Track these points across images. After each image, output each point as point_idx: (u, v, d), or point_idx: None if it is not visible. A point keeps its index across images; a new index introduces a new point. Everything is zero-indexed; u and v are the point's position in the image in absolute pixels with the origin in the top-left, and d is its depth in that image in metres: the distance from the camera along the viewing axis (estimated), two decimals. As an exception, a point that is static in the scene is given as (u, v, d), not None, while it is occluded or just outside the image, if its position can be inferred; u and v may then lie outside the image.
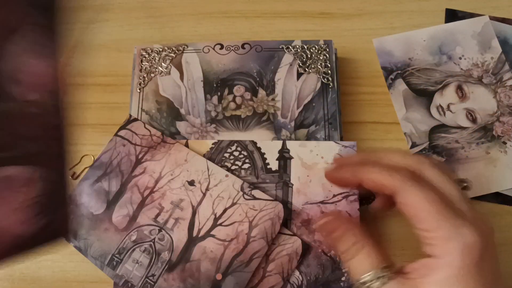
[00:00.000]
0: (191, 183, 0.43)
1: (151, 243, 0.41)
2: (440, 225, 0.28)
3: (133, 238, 0.42)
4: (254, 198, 0.41)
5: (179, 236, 0.41)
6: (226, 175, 0.43)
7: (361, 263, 0.30)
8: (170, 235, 0.41)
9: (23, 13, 0.29)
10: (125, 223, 0.42)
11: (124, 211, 0.43)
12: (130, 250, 0.41)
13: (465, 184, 0.33)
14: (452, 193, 0.31)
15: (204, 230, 0.41)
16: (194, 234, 0.41)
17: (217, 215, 0.41)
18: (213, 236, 0.41)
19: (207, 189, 0.42)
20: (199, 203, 0.42)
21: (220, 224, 0.41)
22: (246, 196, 0.42)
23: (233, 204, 0.41)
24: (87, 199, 0.44)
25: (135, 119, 0.47)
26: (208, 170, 0.43)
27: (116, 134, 0.47)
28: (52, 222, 0.28)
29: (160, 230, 0.41)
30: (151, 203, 0.42)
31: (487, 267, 0.28)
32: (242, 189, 0.42)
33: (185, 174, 0.43)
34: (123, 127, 0.47)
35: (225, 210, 0.41)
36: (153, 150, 0.45)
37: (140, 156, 0.45)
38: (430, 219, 0.29)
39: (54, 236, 0.29)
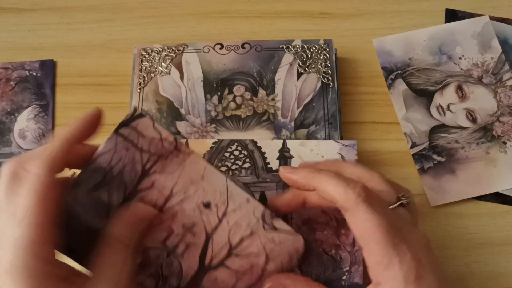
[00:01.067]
0: (207, 205, 0.36)
1: (158, 268, 0.36)
2: (383, 253, 0.30)
3: (138, 260, 0.35)
4: (274, 228, 0.37)
5: (189, 263, 0.36)
6: (247, 199, 0.37)
7: None
8: (179, 261, 0.36)
9: None
10: None
11: None
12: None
13: (406, 201, 0.34)
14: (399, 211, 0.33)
15: (217, 259, 0.36)
16: (206, 262, 0.36)
17: (233, 245, 0.36)
18: (226, 266, 0.36)
19: (224, 214, 0.36)
20: (214, 229, 0.36)
21: (235, 255, 0.36)
22: (266, 226, 0.37)
23: (251, 233, 0.36)
24: (82, 210, 0.35)
25: (141, 115, 0.37)
26: (227, 191, 0.37)
27: (117, 132, 0.37)
28: None
29: (168, 255, 0.36)
30: (160, 224, 0.36)
31: (426, 281, 0.29)
32: (263, 217, 0.37)
33: (200, 193, 0.36)
34: (125, 124, 0.37)
35: (242, 240, 0.36)
36: (164, 160, 0.36)
37: (147, 166, 0.36)
38: (375, 246, 0.30)
39: None
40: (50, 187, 0.28)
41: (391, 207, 0.33)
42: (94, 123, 0.34)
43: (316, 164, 0.38)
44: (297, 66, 0.50)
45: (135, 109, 0.37)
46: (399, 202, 0.33)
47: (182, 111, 0.48)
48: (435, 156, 0.47)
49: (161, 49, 0.51)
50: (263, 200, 0.42)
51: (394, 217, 0.31)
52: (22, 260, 0.25)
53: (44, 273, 0.26)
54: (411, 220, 0.34)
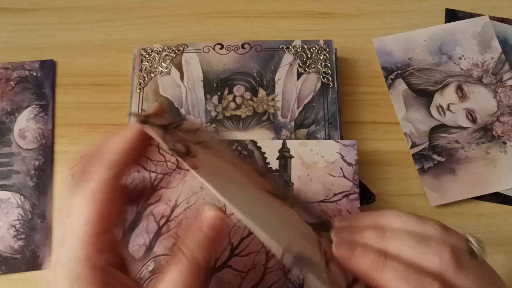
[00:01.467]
0: None
1: None
2: None
3: (150, 268, 0.39)
4: None
5: None
6: None
7: None
8: None
9: None
10: (142, 252, 0.41)
11: (141, 240, 0.41)
12: (148, 280, 0.40)
13: (479, 248, 0.30)
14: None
15: (220, 260, 0.39)
16: (211, 264, 0.39)
17: (234, 245, 0.40)
18: (230, 266, 0.39)
19: None
20: None
21: (237, 255, 0.39)
22: None
23: (249, 233, 0.39)
24: None
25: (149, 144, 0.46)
26: None
27: None
28: None
29: None
30: (167, 232, 0.41)
31: None
32: None
33: (201, 202, 0.42)
34: None
35: (242, 240, 0.40)
36: (168, 177, 0.44)
37: (155, 183, 0.44)
38: None
39: None
40: (111, 192, 0.27)
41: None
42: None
43: (354, 219, 0.32)
44: (297, 66, 0.49)
45: None
46: (476, 253, 0.29)
47: (182, 111, 0.48)
48: (435, 156, 0.47)
49: (161, 49, 0.51)
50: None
51: (489, 273, 0.28)
52: (78, 266, 0.24)
53: (95, 282, 0.24)
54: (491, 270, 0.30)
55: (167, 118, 0.32)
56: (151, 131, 0.28)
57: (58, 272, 0.25)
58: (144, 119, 0.28)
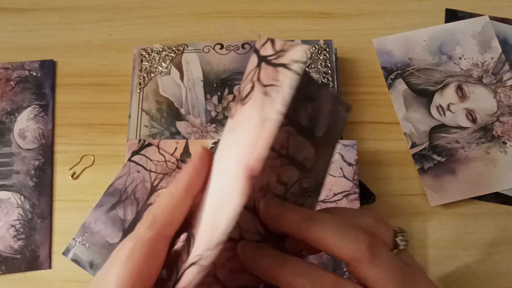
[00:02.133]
0: None
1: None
2: (345, 248, 0.26)
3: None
4: None
5: None
6: None
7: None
8: None
9: None
10: None
11: None
12: None
13: (404, 243, 0.30)
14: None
15: None
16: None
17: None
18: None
19: None
20: None
21: None
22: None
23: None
24: (102, 227, 0.44)
25: (149, 144, 0.46)
26: None
27: (129, 160, 0.45)
28: None
29: None
30: None
31: None
32: None
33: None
34: (136, 152, 0.46)
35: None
36: (168, 177, 0.44)
37: (155, 183, 0.44)
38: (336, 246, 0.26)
39: None
40: (149, 253, 0.25)
41: (393, 252, 0.28)
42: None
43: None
44: (297, 66, 0.49)
45: (144, 141, 0.46)
46: (399, 246, 0.29)
47: (182, 111, 0.48)
48: (435, 156, 0.47)
49: (161, 49, 0.51)
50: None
51: (404, 268, 0.28)
52: None
53: None
54: (415, 263, 0.29)
55: None
56: None
57: None
58: None
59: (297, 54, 0.24)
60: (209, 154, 0.27)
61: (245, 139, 0.24)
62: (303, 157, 0.29)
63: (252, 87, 0.26)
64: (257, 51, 0.27)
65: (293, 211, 0.27)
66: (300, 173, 0.29)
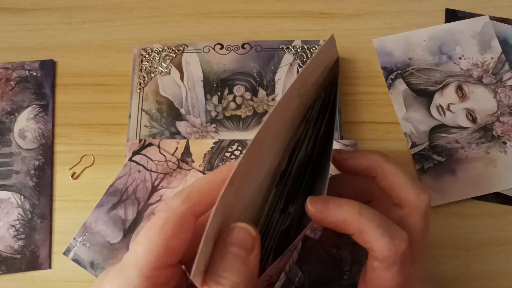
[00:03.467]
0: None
1: None
2: (412, 191, 0.32)
3: None
4: None
5: None
6: None
7: None
8: None
9: None
10: None
11: None
12: None
13: None
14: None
15: None
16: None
17: None
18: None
19: None
20: None
21: None
22: None
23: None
24: (103, 227, 0.44)
25: (150, 144, 0.46)
26: None
27: (130, 159, 0.45)
28: None
29: None
30: None
31: None
32: None
33: None
34: (137, 152, 0.46)
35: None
36: (169, 176, 0.44)
37: (156, 183, 0.44)
38: (406, 187, 0.32)
39: None
40: (181, 226, 0.25)
41: None
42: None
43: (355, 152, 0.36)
44: (297, 66, 0.50)
45: (145, 141, 0.46)
46: None
47: (182, 111, 0.48)
48: (435, 156, 0.47)
49: (161, 49, 0.51)
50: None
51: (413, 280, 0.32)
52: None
53: None
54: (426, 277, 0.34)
55: None
56: None
57: None
58: None
59: None
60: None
61: None
62: None
63: None
64: None
65: (339, 204, 0.29)
66: None
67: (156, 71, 0.50)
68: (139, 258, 0.24)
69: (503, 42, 0.52)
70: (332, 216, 0.28)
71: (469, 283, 0.43)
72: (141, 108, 0.48)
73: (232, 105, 0.49)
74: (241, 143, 0.45)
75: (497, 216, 0.46)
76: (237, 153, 0.45)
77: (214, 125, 0.48)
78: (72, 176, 0.48)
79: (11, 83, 0.51)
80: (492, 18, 0.53)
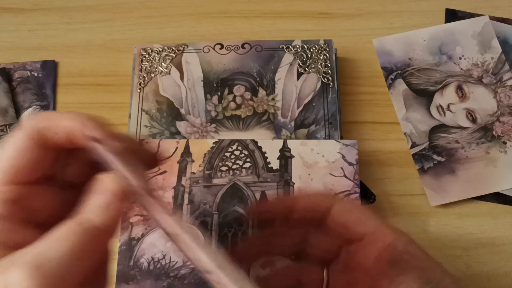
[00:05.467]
0: None
1: None
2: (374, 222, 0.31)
3: None
4: None
5: None
6: None
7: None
8: None
9: None
10: None
11: None
12: None
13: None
14: None
15: None
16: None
17: None
18: None
19: None
20: None
21: None
22: None
23: None
24: None
25: None
26: None
27: None
28: None
29: None
30: None
31: None
32: None
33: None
34: None
35: None
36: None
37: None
38: (366, 220, 0.31)
39: None
40: (30, 141, 0.24)
41: None
42: None
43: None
44: (297, 66, 0.50)
45: None
46: None
47: (182, 111, 0.48)
48: (435, 156, 0.47)
49: (161, 49, 0.51)
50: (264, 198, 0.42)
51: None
52: None
53: None
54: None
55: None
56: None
57: None
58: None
59: None
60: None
61: None
62: None
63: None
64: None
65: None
66: None
67: (156, 71, 0.50)
68: None
69: (503, 42, 0.52)
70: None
71: (469, 283, 0.43)
72: (141, 108, 0.48)
73: (232, 105, 0.49)
74: (241, 143, 0.45)
75: (497, 216, 0.46)
76: (237, 153, 0.45)
77: (214, 125, 0.48)
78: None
79: (13, 83, 0.51)
80: (492, 18, 0.53)
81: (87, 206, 0.23)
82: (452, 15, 0.55)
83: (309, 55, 0.50)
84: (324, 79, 0.49)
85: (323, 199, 0.33)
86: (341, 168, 0.43)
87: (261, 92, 0.49)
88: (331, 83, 0.49)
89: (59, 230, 0.21)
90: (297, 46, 0.50)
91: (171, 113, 0.48)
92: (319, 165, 0.43)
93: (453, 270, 0.44)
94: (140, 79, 0.50)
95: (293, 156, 0.44)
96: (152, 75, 0.50)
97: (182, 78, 0.50)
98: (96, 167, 0.25)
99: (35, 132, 0.24)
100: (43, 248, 0.21)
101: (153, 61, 0.50)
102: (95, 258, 0.23)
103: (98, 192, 0.23)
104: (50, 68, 0.52)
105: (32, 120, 0.25)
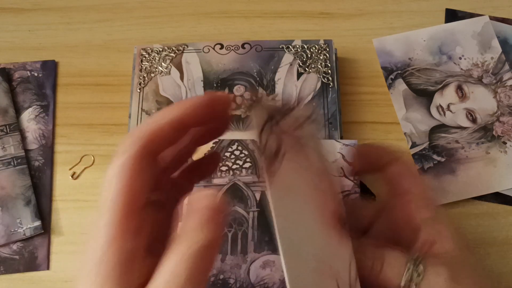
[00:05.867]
0: None
1: None
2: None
3: None
4: None
5: None
6: None
7: (389, 272, 0.28)
8: None
9: None
10: None
11: None
12: None
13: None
14: None
15: None
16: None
17: None
18: None
19: None
20: None
21: None
22: None
23: None
24: None
25: None
26: None
27: None
28: None
29: None
30: None
31: None
32: None
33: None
34: None
35: None
36: None
37: None
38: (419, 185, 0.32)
39: None
40: (139, 172, 0.24)
41: None
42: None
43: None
44: (297, 66, 0.50)
45: None
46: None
47: (182, 111, 0.48)
48: (435, 156, 0.47)
49: (161, 49, 0.51)
50: (263, 199, 0.42)
51: None
52: (103, 249, 0.22)
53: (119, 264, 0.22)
54: None
55: (279, 102, 0.28)
56: (258, 113, 0.25)
57: (88, 259, 0.23)
58: (258, 99, 0.25)
59: (307, 111, 0.25)
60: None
61: (313, 202, 0.25)
62: None
63: (279, 145, 0.26)
64: (260, 103, 0.26)
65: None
66: None
67: (156, 71, 0.50)
68: (104, 211, 0.23)
69: (503, 42, 0.52)
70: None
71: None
72: (141, 108, 0.48)
73: (232, 105, 0.49)
74: (241, 143, 0.45)
75: (497, 216, 0.46)
76: (237, 153, 0.45)
77: (214, 125, 0.48)
78: (72, 176, 0.48)
79: (13, 83, 0.51)
80: (492, 18, 0.53)
81: (188, 227, 0.23)
82: (452, 15, 0.55)
83: (309, 55, 0.50)
84: (324, 79, 0.49)
85: (386, 153, 0.33)
86: (341, 168, 0.43)
87: (261, 92, 0.49)
88: (331, 83, 0.49)
89: (172, 259, 0.22)
90: (297, 46, 0.50)
91: (171, 113, 0.48)
92: (319, 165, 0.43)
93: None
94: (140, 79, 0.50)
95: (293, 156, 0.44)
96: (152, 75, 0.50)
97: (182, 78, 0.50)
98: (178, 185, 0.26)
99: (145, 149, 0.24)
100: (166, 284, 0.21)
101: (153, 61, 0.50)
102: (209, 273, 0.23)
103: (195, 211, 0.23)
104: (50, 68, 0.52)
105: (139, 134, 0.25)
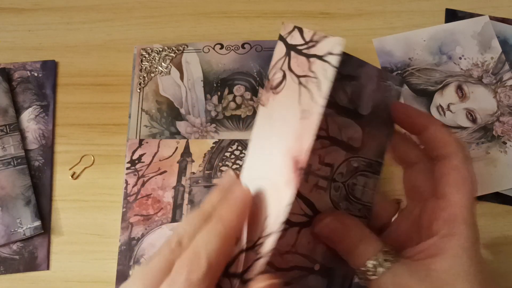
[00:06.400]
0: None
1: None
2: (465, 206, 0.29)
3: None
4: None
5: None
6: None
7: (363, 251, 0.29)
8: None
9: None
10: None
11: None
12: None
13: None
14: None
15: None
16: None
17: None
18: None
19: None
20: None
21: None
22: None
23: None
24: None
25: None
26: None
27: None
28: None
29: None
30: None
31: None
32: None
33: None
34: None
35: None
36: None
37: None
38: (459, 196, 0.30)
39: None
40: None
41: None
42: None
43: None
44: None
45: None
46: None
47: (182, 111, 0.48)
48: (435, 156, 0.47)
49: (161, 49, 0.51)
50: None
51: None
52: None
53: None
54: None
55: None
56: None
57: None
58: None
59: (331, 46, 0.24)
60: (250, 196, 0.26)
61: (287, 130, 0.25)
62: (348, 137, 0.29)
63: (284, 76, 0.26)
64: (283, 39, 0.27)
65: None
66: (347, 153, 0.30)
67: (156, 71, 0.50)
68: None
69: (503, 42, 0.52)
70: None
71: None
72: (141, 108, 0.48)
73: (232, 105, 0.49)
74: (241, 143, 0.45)
75: (497, 216, 0.46)
76: (237, 152, 0.45)
77: (214, 125, 0.48)
78: (72, 176, 0.48)
79: (13, 83, 0.51)
80: (492, 18, 0.53)
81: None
82: (452, 15, 0.55)
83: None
84: (324, 79, 0.49)
85: (423, 118, 0.33)
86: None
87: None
88: (331, 83, 0.48)
89: None
90: (297, 46, 0.50)
91: (171, 113, 0.48)
92: (319, 165, 0.43)
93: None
94: (140, 79, 0.50)
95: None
96: (152, 75, 0.50)
97: (182, 78, 0.50)
98: None
99: (247, 198, 0.25)
100: None
101: (153, 61, 0.50)
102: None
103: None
104: (50, 68, 0.52)
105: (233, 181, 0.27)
